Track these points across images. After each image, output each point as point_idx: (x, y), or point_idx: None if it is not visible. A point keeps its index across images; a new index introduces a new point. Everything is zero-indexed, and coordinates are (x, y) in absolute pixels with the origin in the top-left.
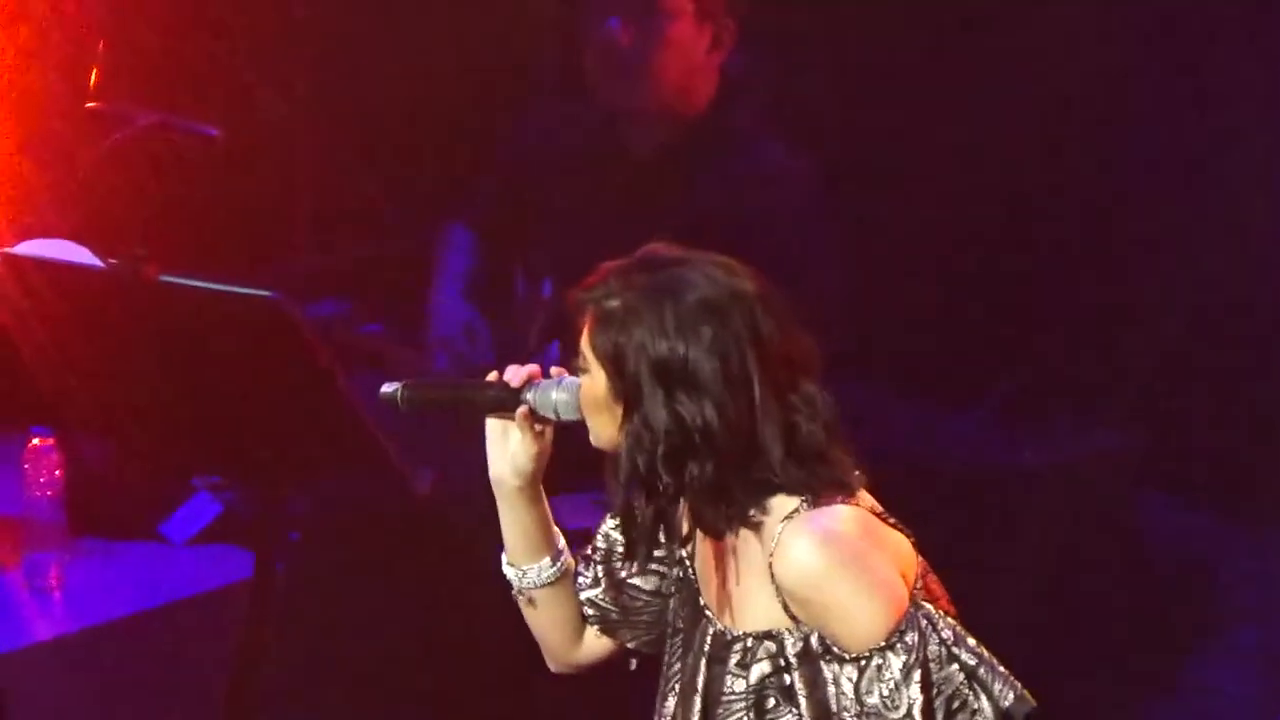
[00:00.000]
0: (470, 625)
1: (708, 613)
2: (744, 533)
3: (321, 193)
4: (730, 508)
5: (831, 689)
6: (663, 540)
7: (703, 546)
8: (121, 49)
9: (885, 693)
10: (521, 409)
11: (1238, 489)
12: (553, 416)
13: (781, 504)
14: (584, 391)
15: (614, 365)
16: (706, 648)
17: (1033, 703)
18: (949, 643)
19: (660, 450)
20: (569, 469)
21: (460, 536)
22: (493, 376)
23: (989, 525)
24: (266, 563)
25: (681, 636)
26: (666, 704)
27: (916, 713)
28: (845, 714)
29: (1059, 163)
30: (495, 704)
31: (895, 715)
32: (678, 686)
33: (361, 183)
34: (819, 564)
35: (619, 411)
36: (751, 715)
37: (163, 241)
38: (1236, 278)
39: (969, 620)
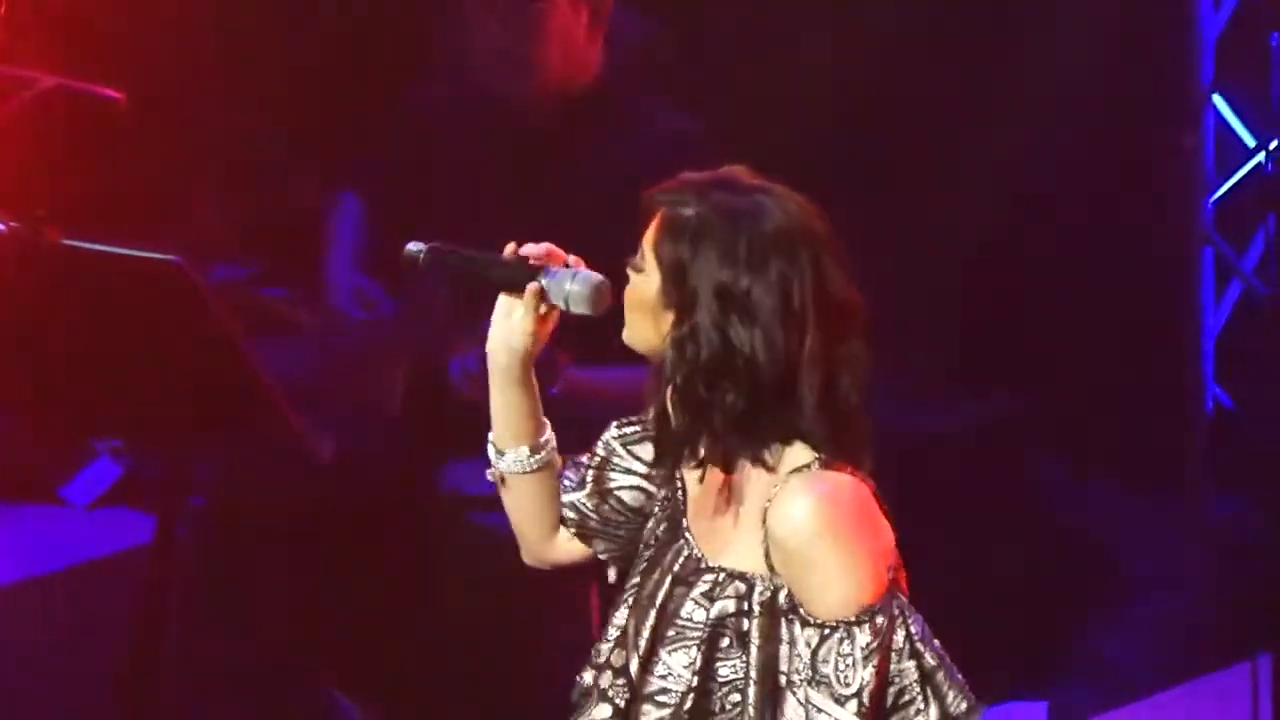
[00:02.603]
0: (376, 586)
1: (687, 535)
2: (751, 471)
3: (225, 157)
4: (748, 442)
5: (785, 647)
6: (663, 459)
7: (704, 473)
8: (23, 11)
9: (841, 666)
10: (532, 285)
11: (1138, 459)
12: (562, 305)
13: (796, 454)
14: (633, 290)
15: (674, 274)
16: (676, 568)
17: (981, 712)
18: (915, 638)
19: (701, 367)
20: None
21: (366, 498)
22: (510, 250)
23: (887, 492)
24: (168, 527)
25: (651, 552)
26: (618, 614)
27: (865, 695)
28: (795, 676)
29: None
30: (407, 662)
31: (845, 691)
32: (632, 599)
33: (265, 147)
34: (814, 523)
35: (666, 319)
36: (703, 649)
37: (65, 205)
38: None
39: None
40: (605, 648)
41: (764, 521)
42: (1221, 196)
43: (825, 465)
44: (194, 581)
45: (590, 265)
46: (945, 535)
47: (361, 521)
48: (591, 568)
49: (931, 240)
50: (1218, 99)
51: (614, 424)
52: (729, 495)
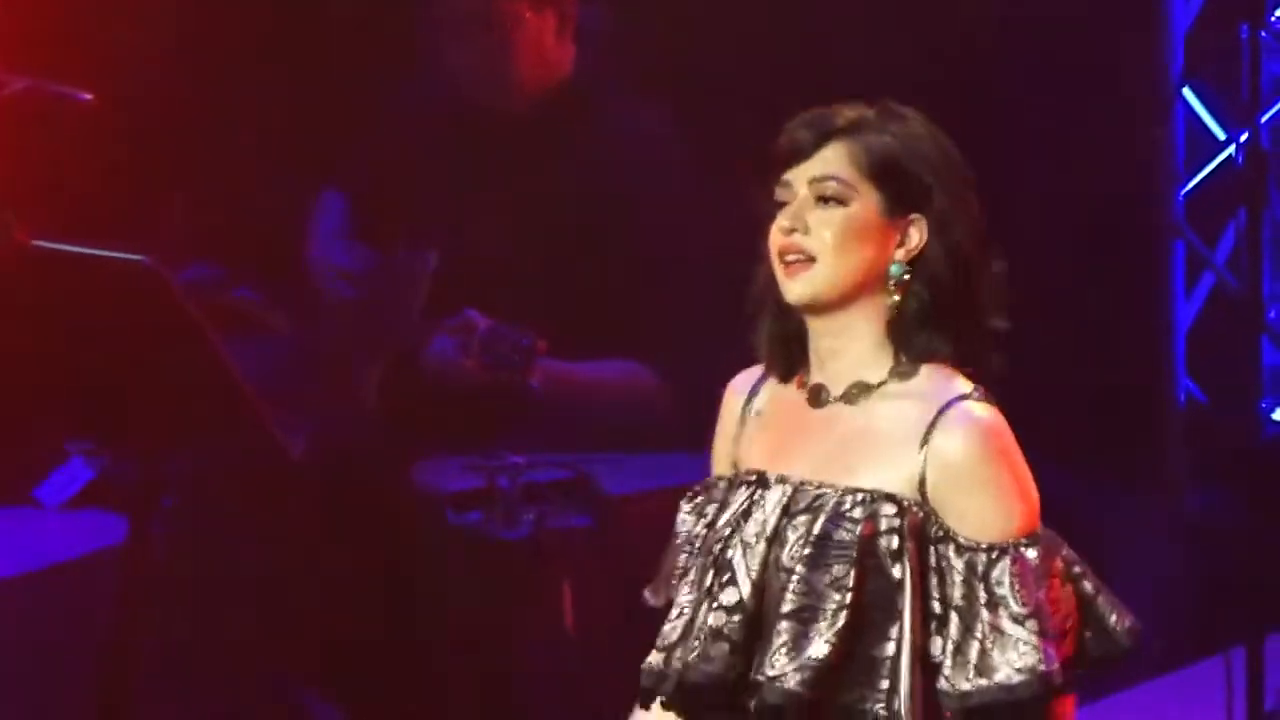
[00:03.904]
0: (351, 584)
1: (775, 475)
2: (905, 394)
3: (196, 157)
4: (937, 354)
5: (936, 575)
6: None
7: (785, 416)
8: None
9: (1017, 586)
10: None
11: (1110, 453)
12: None
13: (958, 381)
14: (849, 219)
15: (899, 190)
16: (784, 503)
17: (1139, 629)
18: (1072, 563)
19: (941, 276)
20: (448, 431)
21: (338, 497)
22: None
23: None
24: (140, 528)
25: (705, 512)
26: (682, 593)
27: (1042, 615)
28: (959, 601)
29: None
30: (382, 662)
31: (1022, 610)
32: (703, 557)
33: (238, 147)
34: (986, 448)
35: (889, 237)
36: (853, 565)
37: (34, 206)
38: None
39: None
40: (675, 625)
41: (922, 445)
42: (1192, 189)
43: (981, 395)
44: (168, 582)
45: (570, 258)
46: None
47: (336, 519)
48: (564, 564)
49: None
50: (1187, 92)
51: (683, 502)
52: (866, 423)
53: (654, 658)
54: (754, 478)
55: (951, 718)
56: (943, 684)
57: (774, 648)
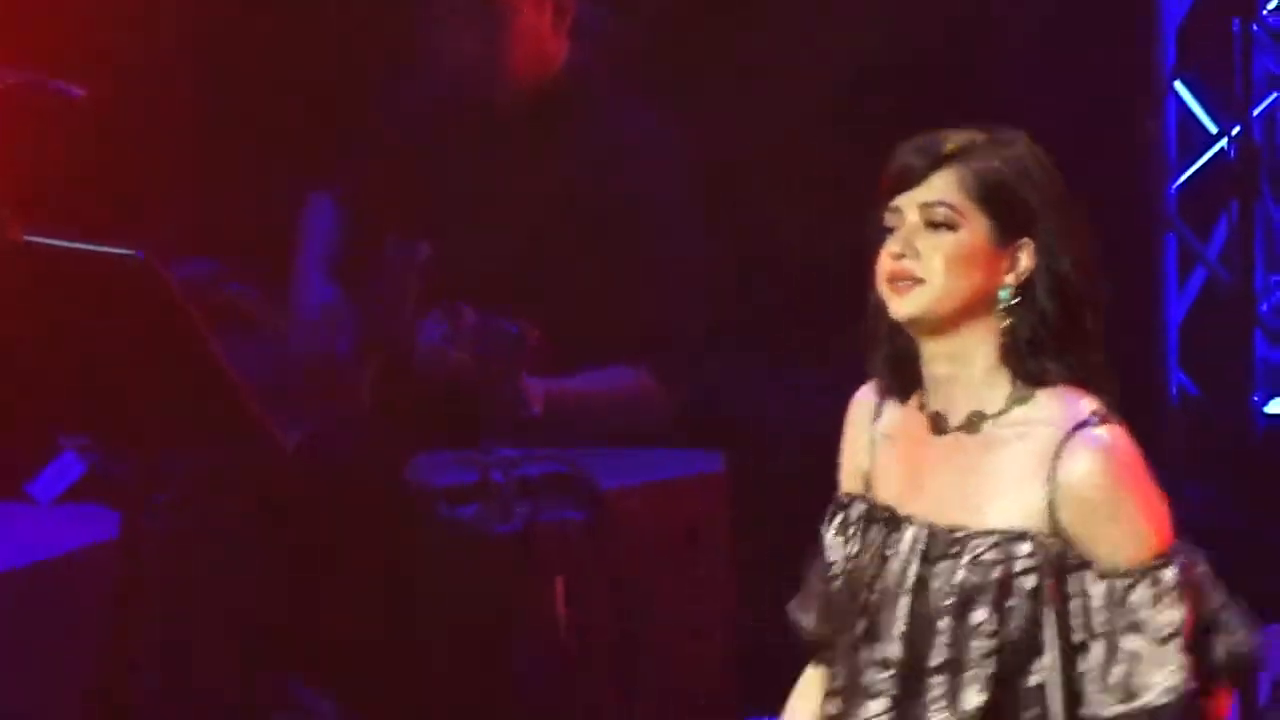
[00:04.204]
0: (342, 581)
1: (909, 519)
2: (1017, 428)
3: (190, 152)
4: (1044, 371)
5: (1077, 602)
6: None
7: (909, 442)
8: None
9: (1158, 608)
10: None
11: None
12: None
13: (1075, 404)
14: (957, 243)
15: (1009, 216)
16: (920, 549)
17: (1259, 641)
18: (1204, 572)
19: (1054, 302)
20: (441, 425)
21: (331, 492)
22: None
23: None
24: (132, 523)
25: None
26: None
27: (1184, 633)
28: (1100, 629)
29: None
30: (376, 656)
31: (1165, 632)
32: (870, 624)
33: (232, 142)
34: (1116, 473)
35: (998, 264)
36: (990, 609)
37: (28, 201)
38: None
39: None
40: (838, 674)
41: (1049, 477)
42: (1184, 183)
43: (1103, 417)
44: (160, 577)
45: (562, 256)
46: None
47: (329, 514)
48: (557, 558)
49: None
50: (1180, 85)
51: (825, 524)
52: (979, 454)
53: (830, 706)
54: (887, 515)
55: None
56: (1085, 711)
57: (928, 702)
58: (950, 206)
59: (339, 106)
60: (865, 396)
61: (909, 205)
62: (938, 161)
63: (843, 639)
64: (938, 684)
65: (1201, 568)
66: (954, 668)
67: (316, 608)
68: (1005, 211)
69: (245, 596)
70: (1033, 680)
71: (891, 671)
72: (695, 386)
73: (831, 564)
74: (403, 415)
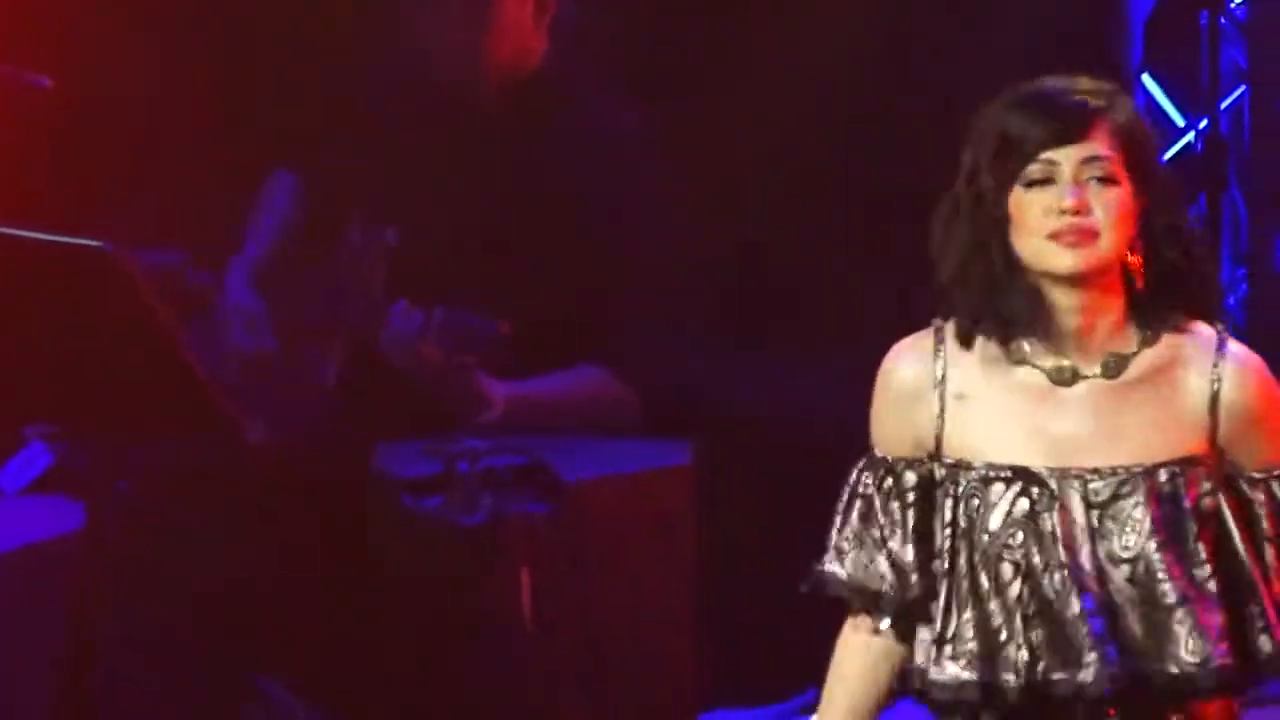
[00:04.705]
0: (306, 570)
1: (1038, 470)
2: (1156, 362)
3: (154, 142)
4: (1171, 312)
5: (1259, 509)
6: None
7: (1018, 401)
8: None
9: None
10: None
11: None
12: None
13: (1208, 331)
14: (1117, 202)
15: (1145, 172)
16: (1079, 496)
17: None
18: None
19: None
20: (400, 417)
21: (296, 483)
22: None
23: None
24: (97, 513)
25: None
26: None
27: None
28: (1270, 530)
29: None
30: (340, 647)
31: None
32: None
33: (196, 132)
34: (1269, 381)
35: (1136, 212)
36: (1191, 535)
37: None
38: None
39: None
40: (971, 638)
41: (1211, 400)
42: None
43: (1227, 335)
44: (126, 567)
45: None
46: None
47: (293, 505)
48: (521, 550)
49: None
50: (1147, 78)
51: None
52: (1135, 394)
53: (962, 673)
54: (1010, 473)
55: None
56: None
57: (1181, 638)
58: (1112, 161)
59: (309, 93)
60: (912, 362)
61: (1067, 160)
62: (1093, 115)
63: (965, 608)
64: (1181, 617)
65: None
66: (1189, 598)
67: (281, 600)
68: (1141, 166)
69: (211, 588)
70: (1247, 591)
71: (1099, 620)
72: (663, 379)
73: (900, 528)
74: (368, 405)
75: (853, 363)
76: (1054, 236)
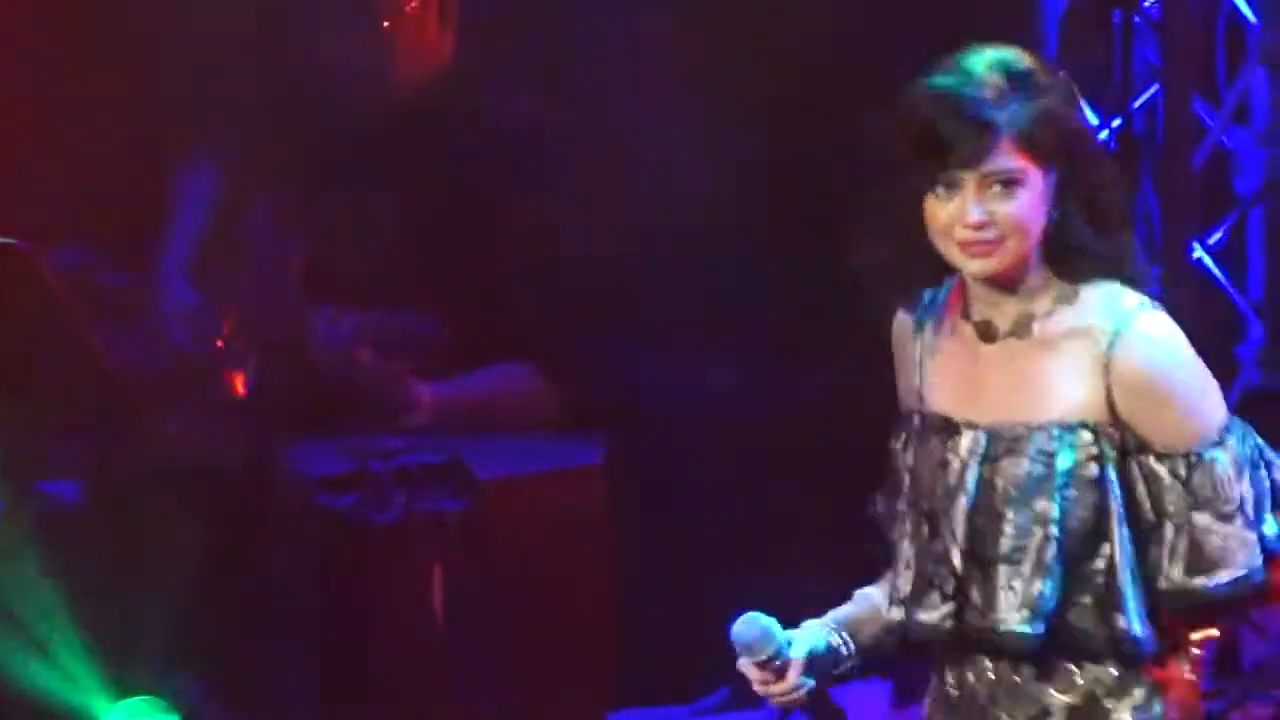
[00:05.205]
0: (222, 567)
1: (966, 423)
2: (1067, 324)
3: (67, 142)
4: (1088, 268)
5: (1143, 485)
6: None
7: (960, 354)
8: None
9: (1220, 486)
10: None
11: None
12: None
13: (1124, 296)
14: (1028, 203)
15: (1049, 142)
16: (979, 451)
17: None
18: (1263, 449)
19: (1098, 223)
20: (318, 415)
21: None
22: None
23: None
24: (11, 509)
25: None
26: (904, 547)
27: (1247, 507)
28: (1169, 508)
29: None
30: (255, 643)
31: (1228, 508)
32: (914, 520)
33: (109, 132)
34: (1170, 357)
35: (1048, 188)
36: (1055, 498)
37: None
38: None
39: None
40: (906, 578)
41: (1105, 366)
42: None
43: (1148, 307)
44: (39, 561)
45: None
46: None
47: (208, 502)
48: (434, 547)
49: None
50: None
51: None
52: (1042, 354)
53: (894, 613)
54: (942, 423)
55: (1173, 615)
56: (1164, 584)
57: (994, 592)
58: (1014, 169)
59: (217, 95)
60: (903, 317)
61: (970, 176)
62: (995, 133)
63: (905, 543)
64: (1002, 573)
65: (1254, 438)
66: (1015, 558)
67: (193, 593)
68: (1050, 150)
69: (122, 581)
70: (1098, 564)
71: (955, 565)
72: (577, 378)
73: (899, 477)
74: (286, 402)
75: (764, 360)
76: (960, 246)
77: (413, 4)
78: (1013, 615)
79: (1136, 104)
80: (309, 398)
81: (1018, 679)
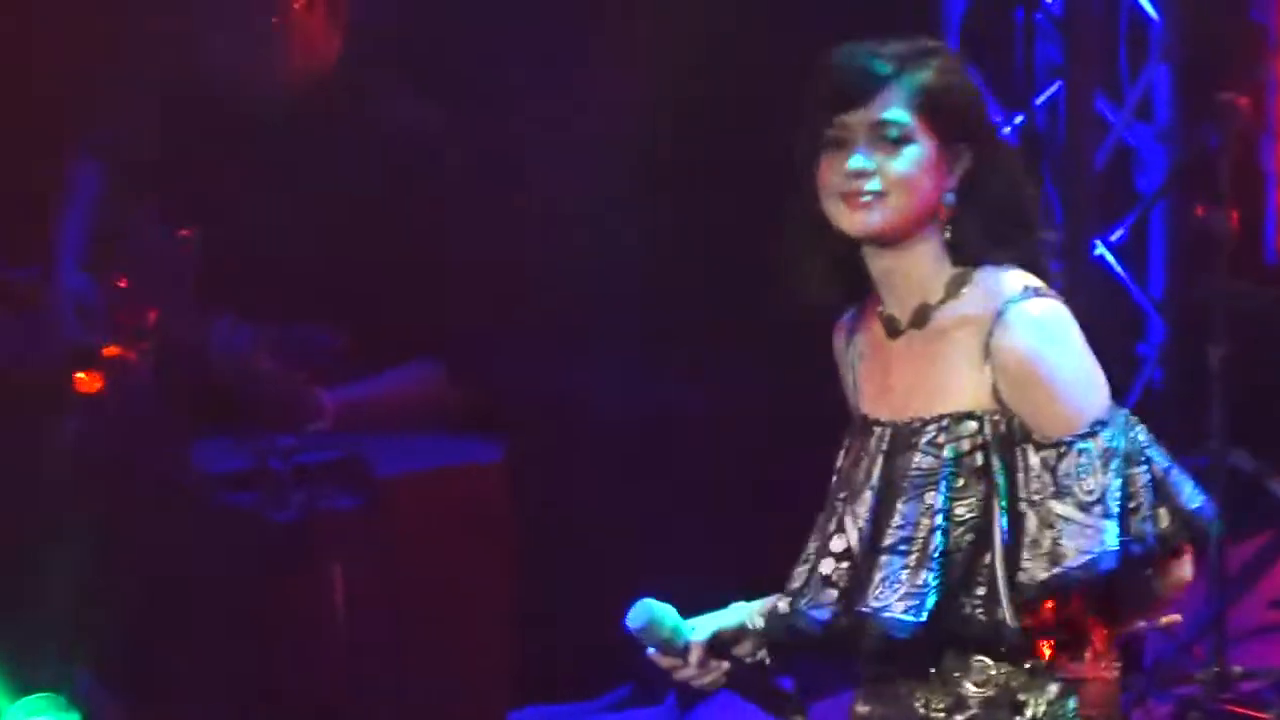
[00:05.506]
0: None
1: (877, 421)
2: (958, 311)
3: None
4: (983, 256)
5: (1021, 474)
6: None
7: (877, 354)
8: None
9: (1082, 475)
10: None
11: None
12: None
13: (1009, 282)
14: (915, 162)
15: (953, 126)
16: (884, 447)
17: (1209, 510)
18: (1144, 444)
19: (1004, 195)
20: (214, 412)
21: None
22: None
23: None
24: None
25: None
26: (810, 545)
27: (1108, 498)
28: (1035, 496)
29: None
30: (154, 642)
31: (1088, 498)
32: (832, 516)
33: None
34: (1045, 344)
35: (944, 176)
36: (940, 489)
37: None
38: None
39: None
40: (800, 572)
41: (985, 354)
42: None
43: (1037, 291)
44: None
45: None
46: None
47: (107, 500)
48: (334, 545)
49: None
50: None
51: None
52: (930, 346)
53: (781, 604)
54: (863, 424)
55: (1027, 605)
56: (1021, 576)
57: (875, 582)
58: (903, 124)
59: (106, 90)
60: (841, 324)
61: (858, 124)
62: (882, 79)
63: (811, 540)
64: (884, 563)
65: (1140, 433)
66: (900, 549)
67: (93, 592)
68: (948, 121)
69: (21, 580)
70: (987, 557)
71: (846, 563)
72: (478, 377)
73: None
74: (185, 402)
75: (665, 360)
76: (843, 198)
77: (299, 1)
78: (896, 604)
79: (1039, 101)
80: (209, 404)
81: (932, 668)
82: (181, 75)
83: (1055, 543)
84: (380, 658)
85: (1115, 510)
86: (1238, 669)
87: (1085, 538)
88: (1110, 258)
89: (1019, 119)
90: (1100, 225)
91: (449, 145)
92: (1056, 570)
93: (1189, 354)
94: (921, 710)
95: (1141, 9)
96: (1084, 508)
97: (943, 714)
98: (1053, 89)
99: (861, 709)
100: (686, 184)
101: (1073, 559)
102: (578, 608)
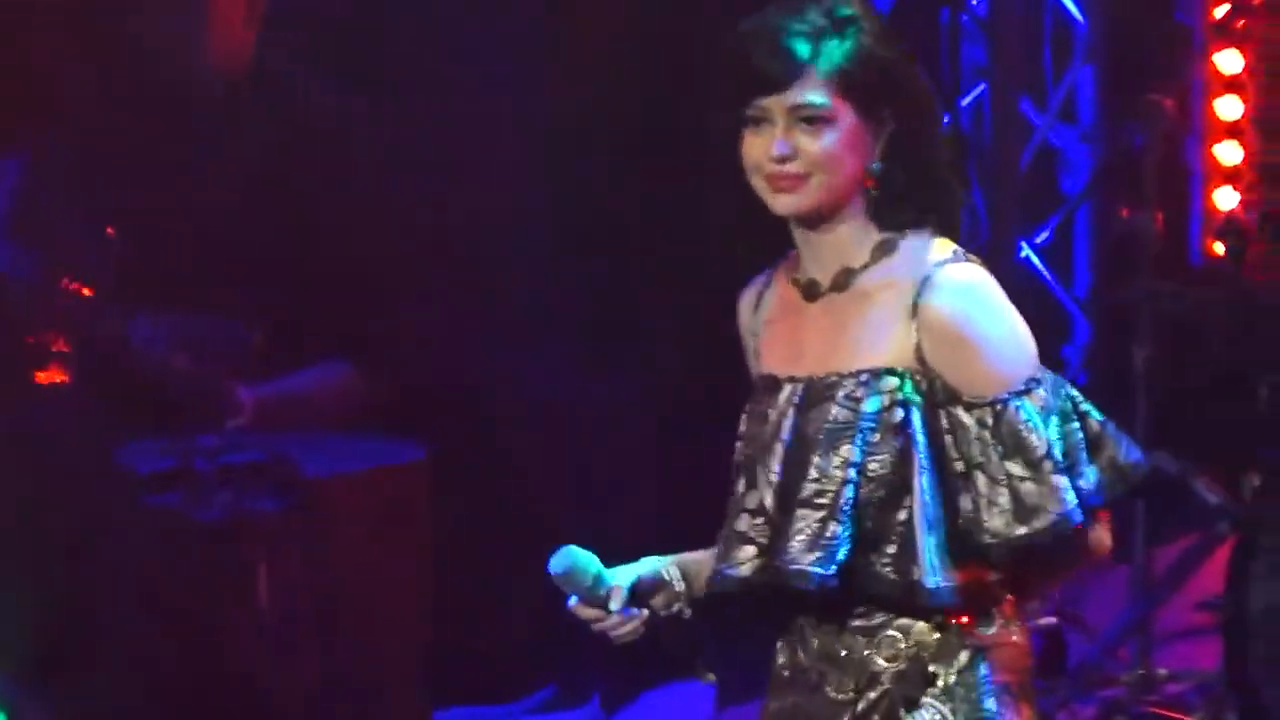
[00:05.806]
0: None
1: (791, 376)
2: (883, 275)
3: None
4: (907, 221)
5: (949, 436)
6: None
7: (788, 317)
8: None
9: (1025, 432)
10: None
11: None
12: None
13: (936, 247)
14: (837, 142)
15: (871, 100)
16: (795, 401)
17: (1144, 462)
18: (1077, 400)
19: (926, 164)
20: (141, 415)
21: (32, 478)
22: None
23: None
24: None
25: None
26: (731, 508)
27: (1055, 452)
28: (976, 458)
29: None
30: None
31: (1036, 454)
32: (743, 477)
33: None
34: (976, 306)
35: (867, 149)
36: (856, 442)
37: None
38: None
39: None
40: (721, 535)
41: (912, 314)
42: None
43: (963, 256)
44: None
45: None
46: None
47: (29, 500)
48: (259, 546)
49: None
50: None
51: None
52: (849, 306)
53: (708, 562)
54: (769, 382)
55: (999, 566)
56: (985, 537)
57: (791, 535)
58: (822, 105)
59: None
60: (747, 297)
61: (777, 106)
62: (800, 65)
63: (729, 501)
64: (800, 516)
65: (1072, 392)
66: (816, 502)
67: (14, 593)
68: (868, 95)
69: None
70: (901, 515)
71: (761, 518)
72: (399, 377)
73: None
74: (107, 401)
75: (587, 355)
76: (767, 179)
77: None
78: (804, 556)
79: (964, 103)
80: (128, 401)
81: (843, 650)
82: (100, 64)
83: (1016, 500)
84: (304, 658)
85: (1063, 465)
86: (1163, 671)
87: (1045, 497)
88: (1035, 259)
89: (945, 121)
90: (1025, 227)
91: (363, 137)
92: (1025, 529)
93: (1114, 355)
94: (833, 693)
95: (1066, 10)
96: (1033, 465)
97: (853, 693)
98: (977, 90)
99: (774, 705)
100: (598, 175)
101: (1040, 519)
102: (502, 608)
